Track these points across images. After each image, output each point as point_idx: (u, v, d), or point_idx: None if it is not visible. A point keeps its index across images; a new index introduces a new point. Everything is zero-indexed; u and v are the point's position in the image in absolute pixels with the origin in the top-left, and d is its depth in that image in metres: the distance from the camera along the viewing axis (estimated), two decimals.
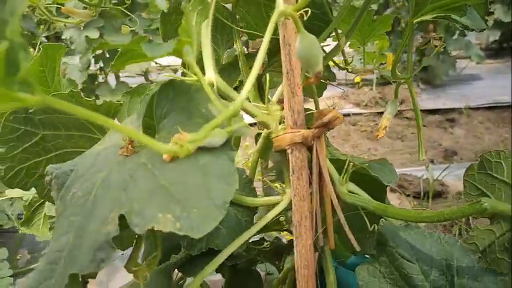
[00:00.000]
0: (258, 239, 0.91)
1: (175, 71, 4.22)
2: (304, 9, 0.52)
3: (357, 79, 4.30)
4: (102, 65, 3.62)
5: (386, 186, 0.64)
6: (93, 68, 3.71)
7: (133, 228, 0.35)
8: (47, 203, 0.75)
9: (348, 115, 3.80)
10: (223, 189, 0.38)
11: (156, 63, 4.08)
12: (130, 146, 0.47)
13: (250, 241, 0.86)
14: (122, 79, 3.80)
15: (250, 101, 0.66)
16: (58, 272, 0.41)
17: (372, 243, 0.65)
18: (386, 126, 0.67)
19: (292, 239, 0.90)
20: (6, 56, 0.24)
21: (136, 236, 0.45)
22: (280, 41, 0.56)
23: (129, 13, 0.97)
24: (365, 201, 0.56)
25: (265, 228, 0.85)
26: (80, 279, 0.51)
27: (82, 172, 0.48)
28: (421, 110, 3.32)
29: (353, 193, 0.58)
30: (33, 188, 0.69)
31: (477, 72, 4.72)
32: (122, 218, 0.37)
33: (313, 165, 0.57)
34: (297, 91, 0.56)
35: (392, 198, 2.18)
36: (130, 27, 0.81)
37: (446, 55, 4.39)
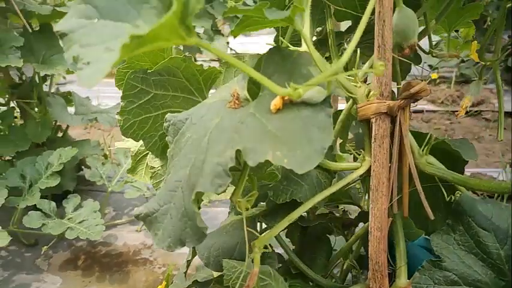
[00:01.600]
0: (328, 212, 0.97)
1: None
2: None
3: (434, 75, 4.12)
4: (181, 48, 3.83)
5: (465, 163, 0.66)
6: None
7: (248, 161, 0.43)
8: (149, 154, 0.86)
9: (421, 112, 3.67)
10: (322, 137, 0.44)
11: (231, 49, 4.24)
12: (237, 100, 0.55)
13: (322, 212, 0.92)
14: (198, 63, 4.00)
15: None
16: (177, 197, 0.50)
17: (440, 222, 0.67)
18: (467, 106, 0.69)
19: (361, 213, 0.94)
20: (184, 2, 0.31)
21: (239, 177, 0.53)
22: (375, 17, 0.60)
23: None
24: (445, 172, 0.59)
25: (336, 199, 0.91)
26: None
27: (196, 120, 0.56)
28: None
29: (432, 165, 0.62)
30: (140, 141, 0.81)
31: None
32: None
33: (395, 135, 0.62)
34: (386, 65, 0.61)
35: None
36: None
37: None
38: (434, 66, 3.80)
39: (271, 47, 0.55)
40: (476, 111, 3.51)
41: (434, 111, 3.66)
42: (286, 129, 0.45)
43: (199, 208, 0.50)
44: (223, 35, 4.05)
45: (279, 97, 0.46)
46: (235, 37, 0.54)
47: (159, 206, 0.52)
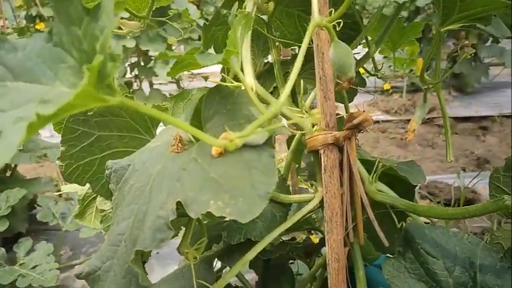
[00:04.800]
0: (290, 238, 0.96)
1: (205, 78, 4.34)
2: (337, 21, 0.57)
3: (386, 86, 4.28)
4: (137, 73, 3.78)
5: (415, 187, 0.67)
6: (128, 75, 3.88)
7: (189, 213, 0.41)
8: (98, 197, 0.82)
9: (377, 122, 3.78)
10: (266, 181, 0.43)
11: (188, 71, 4.22)
12: (180, 143, 0.53)
13: (282, 239, 0.91)
14: (155, 86, 3.95)
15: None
16: (120, 252, 0.47)
17: (399, 243, 0.68)
18: (415, 129, 0.71)
19: (322, 239, 0.93)
20: (100, 66, 0.29)
21: (186, 223, 0.51)
22: (314, 50, 0.61)
23: (168, 21, 1.04)
24: (394, 199, 0.59)
25: (296, 227, 0.90)
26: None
27: (138, 166, 0.54)
28: (452, 118, 3.30)
29: (382, 192, 0.62)
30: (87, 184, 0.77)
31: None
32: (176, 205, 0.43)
33: (344, 165, 0.62)
34: (329, 95, 0.61)
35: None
36: (173, 38, 0.87)
37: (478, 62, 4.31)
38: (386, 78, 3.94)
39: (213, 85, 0.54)
40: (428, 118, 3.66)
41: (389, 121, 3.78)
42: (229, 175, 0.44)
43: (144, 263, 0.47)
44: None
45: None
46: (172, 78, 0.53)
47: (101, 262, 0.49)
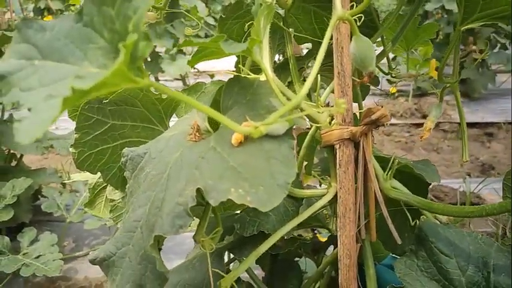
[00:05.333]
0: (297, 235, 0.96)
1: (211, 75, 4.35)
2: (358, 15, 0.57)
3: (393, 89, 4.26)
4: None
5: (429, 186, 0.67)
6: None
7: (209, 200, 0.41)
8: (108, 187, 0.82)
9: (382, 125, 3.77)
10: (285, 172, 0.43)
11: (194, 68, 4.22)
12: (197, 132, 0.53)
13: (293, 234, 0.91)
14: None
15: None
16: (136, 238, 0.47)
17: (409, 242, 0.68)
18: (431, 128, 0.70)
19: (329, 237, 0.93)
20: (134, 45, 0.29)
21: (199, 214, 0.50)
22: (334, 44, 0.61)
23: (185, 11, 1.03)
24: (409, 197, 0.59)
25: (306, 223, 0.90)
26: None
27: (155, 155, 0.54)
28: (458, 123, 3.28)
29: (396, 189, 0.62)
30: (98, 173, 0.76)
31: None
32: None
33: (359, 161, 0.61)
34: (347, 91, 0.61)
35: None
36: (189, 29, 0.87)
37: (485, 68, 4.29)
38: (393, 81, 3.94)
39: (231, 77, 0.54)
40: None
41: (395, 124, 3.77)
42: (249, 164, 0.44)
43: (160, 250, 0.47)
44: (185, 53, 4.04)
45: None
46: (192, 67, 0.53)
47: (116, 248, 0.49)
